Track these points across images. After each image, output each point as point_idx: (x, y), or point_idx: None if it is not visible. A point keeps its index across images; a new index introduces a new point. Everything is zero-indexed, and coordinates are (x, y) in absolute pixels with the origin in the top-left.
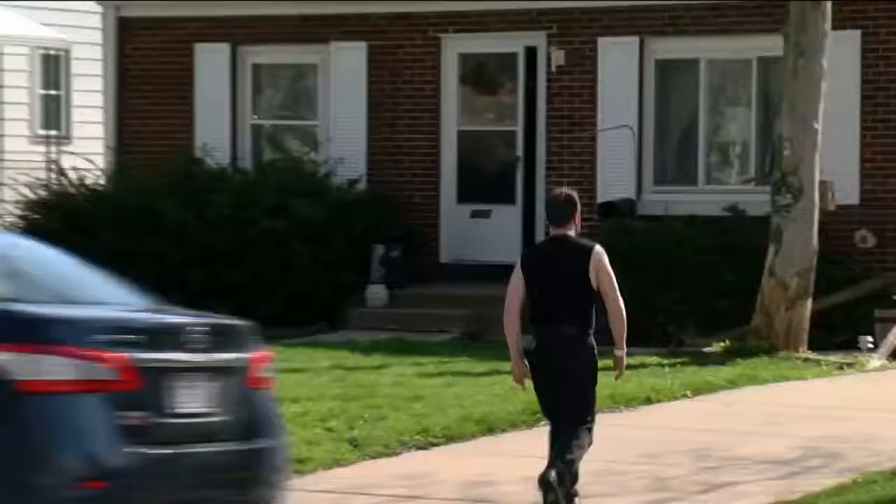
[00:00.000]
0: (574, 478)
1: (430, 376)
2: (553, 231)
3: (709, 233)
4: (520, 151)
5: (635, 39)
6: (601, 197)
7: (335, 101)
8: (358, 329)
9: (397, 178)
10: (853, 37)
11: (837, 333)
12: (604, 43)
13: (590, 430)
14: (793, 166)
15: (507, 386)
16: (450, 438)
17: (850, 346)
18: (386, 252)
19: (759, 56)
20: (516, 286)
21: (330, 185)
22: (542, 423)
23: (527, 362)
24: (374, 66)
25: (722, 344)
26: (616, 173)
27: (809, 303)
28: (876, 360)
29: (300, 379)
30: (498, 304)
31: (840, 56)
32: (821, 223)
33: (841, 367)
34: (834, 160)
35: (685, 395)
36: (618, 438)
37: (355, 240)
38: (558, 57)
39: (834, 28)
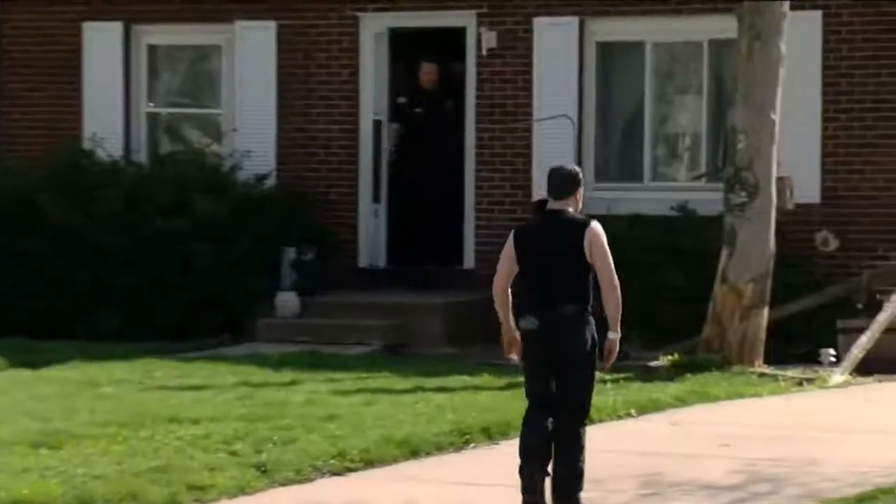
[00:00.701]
0: (581, 481)
1: (346, 394)
2: (551, 204)
3: (655, 234)
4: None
5: (574, 20)
6: (537, 194)
7: (241, 87)
8: (266, 341)
9: (311, 173)
10: (814, 18)
11: (796, 345)
12: (540, 23)
13: (585, 424)
14: (747, 161)
15: (431, 405)
16: (368, 462)
17: (811, 359)
18: (298, 255)
19: (711, 39)
20: (508, 258)
21: (235, 181)
22: (472, 445)
23: (520, 341)
24: (284, 48)
25: (670, 357)
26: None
27: (766, 311)
28: (838, 376)
29: (201, 397)
30: (421, 312)
31: (799, 39)
32: (778, 224)
33: (800, 383)
34: (793, 154)
35: (629, 415)
36: None
37: (264, 241)
38: (489, 39)
39: (792, 8)
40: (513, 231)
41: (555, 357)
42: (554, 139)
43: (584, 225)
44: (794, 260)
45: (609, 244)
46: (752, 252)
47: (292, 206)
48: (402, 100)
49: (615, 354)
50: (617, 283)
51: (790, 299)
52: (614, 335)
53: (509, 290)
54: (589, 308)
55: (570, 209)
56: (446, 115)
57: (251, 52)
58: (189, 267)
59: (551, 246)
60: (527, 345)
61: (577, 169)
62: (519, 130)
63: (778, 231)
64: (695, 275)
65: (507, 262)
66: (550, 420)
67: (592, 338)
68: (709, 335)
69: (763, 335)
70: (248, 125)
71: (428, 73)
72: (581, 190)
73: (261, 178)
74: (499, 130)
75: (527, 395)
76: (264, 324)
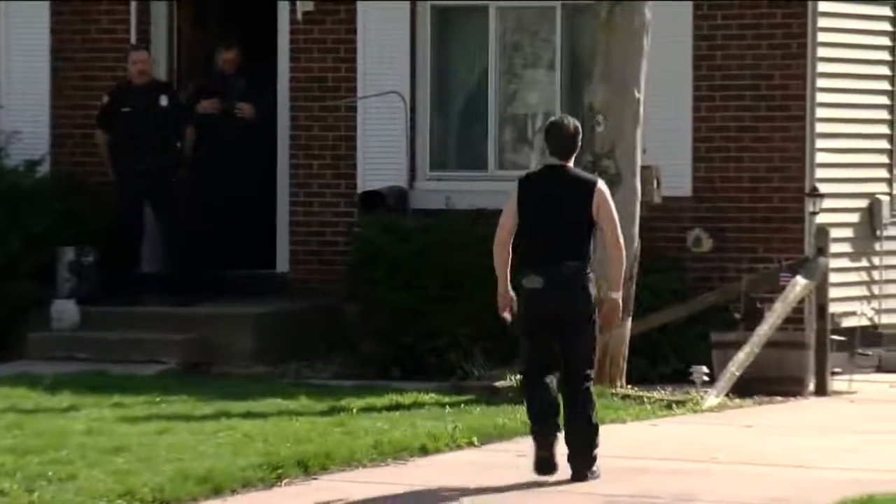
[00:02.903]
0: (597, 436)
1: (136, 421)
2: (552, 161)
3: None
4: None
5: None
6: (363, 185)
7: (6, 55)
8: (39, 358)
9: (92, 159)
10: None
11: (664, 362)
12: None
13: (592, 379)
14: (608, 146)
15: (238, 433)
16: (163, 502)
17: (681, 378)
18: (77, 257)
19: (565, 3)
20: (511, 212)
21: (1, 167)
22: (286, 481)
23: (515, 300)
24: (59, 10)
25: (518, 377)
26: (382, 154)
27: (629, 323)
28: (713, 397)
29: None
30: (226, 324)
31: (667, 4)
32: (643, 220)
33: (669, 406)
34: (660, 139)
35: (471, 444)
36: None
37: (35, 240)
38: (305, 2)
39: None
40: (517, 182)
41: (560, 315)
42: (382, 120)
43: (592, 182)
44: (662, 263)
45: (447, 243)
46: None
47: (71, 198)
48: (190, 85)
49: (618, 316)
50: (623, 244)
51: (657, 309)
52: (616, 295)
53: (509, 246)
54: (590, 267)
55: (571, 164)
56: (250, 97)
57: (20, 15)
58: None
59: (558, 202)
60: (530, 303)
61: (577, 123)
62: (341, 109)
63: (643, 229)
64: None
65: (509, 216)
66: (553, 379)
67: (592, 297)
68: None
69: (626, 350)
70: (16, 101)
71: (227, 58)
72: (578, 149)
73: (32, 164)
74: (318, 109)
75: (526, 358)
76: (37, 338)
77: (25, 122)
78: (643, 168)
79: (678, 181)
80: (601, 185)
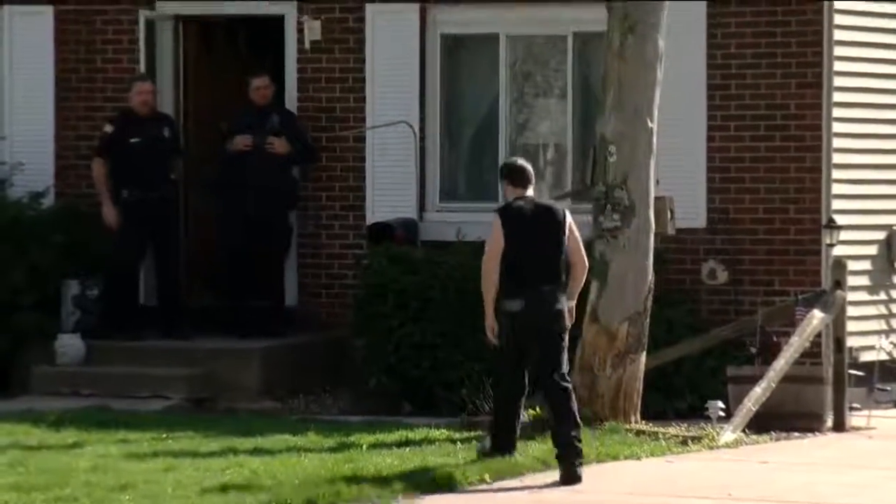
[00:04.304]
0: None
1: (142, 458)
2: (518, 192)
3: None
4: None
5: (415, 7)
6: (372, 216)
7: (11, 84)
8: (43, 394)
9: (94, 190)
10: (697, 9)
11: (680, 397)
12: (374, 12)
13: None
14: (621, 177)
15: (245, 471)
16: None
17: (697, 413)
18: (82, 290)
19: (577, 31)
20: (497, 241)
21: (4, 199)
22: None
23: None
24: (63, 39)
25: (532, 412)
26: (391, 185)
27: (644, 357)
28: (729, 433)
29: None
30: (233, 359)
31: (680, 33)
32: (657, 252)
33: (685, 442)
34: (674, 170)
35: (483, 481)
36: None
37: (40, 273)
38: (313, 29)
39: None
40: (498, 212)
41: (541, 331)
42: (391, 150)
43: (562, 212)
44: (677, 295)
45: (457, 275)
46: (627, 286)
47: (76, 230)
48: (223, 123)
49: (572, 318)
50: (587, 265)
51: (671, 343)
52: (571, 302)
53: (498, 271)
54: (562, 286)
55: (531, 193)
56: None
57: (24, 42)
58: None
59: (538, 230)
60: (513, 323)
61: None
62: (350, 140)
63: (657, 261)
64: None
65: (498, 244)
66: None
67: (566, 321)
68: (576, 385)
69: (640, 385)
70: (21, 131)
71: (263, 86)
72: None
73: (37, 196)
74: (325, 140)
75: (500, 361)
76: (41, 372)
77: (29, 152)
78: (657, 199)
79: (692, 212)
80: (568, 213)
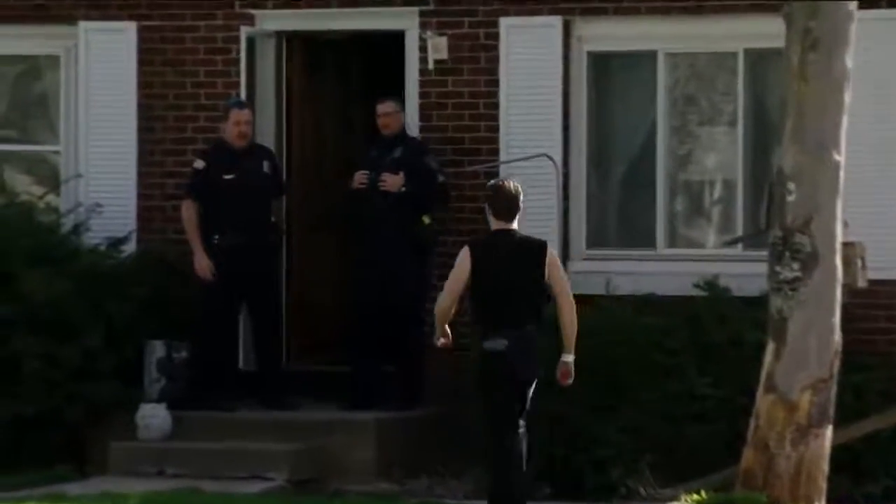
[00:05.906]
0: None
1: None
2: (499, 225)
3: (673, 322)
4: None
5: (557, 20)
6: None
7: (86, 113)
8: (124, 474)
9: (183, 235)
10: (893, 20)
11: (872, 479)
12: (509, 25)
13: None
14: (801, 219)
15: None
16: None
17: (892, 497)
18: (168, 352)
19: (748, 48)
20: (458, 280)
21: (79, 247)
22: None
23: (449, 335)
24: (147, 60)
25: (694, 497)
26: (529, 228)
27: (829, 432)
28: None
29: None
30: (343, 432)
31: (873, 50)
32: (845, 308)
33: None
34: (864, 210)
35: None
36: None
37: (118, 332)
38: (438, 46)
39: (862, 6)
40: (466, 249)
41: (520, 374)
42: (530, 188)
43: (542, 246)
44: (868, 359)
45: (609, 333)
46: (809, 348)
47: (161, 282)
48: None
49: (571, 376)
50: (573, 303)
51: (862, 414)
52: (570, 357)
53: (453, 308)
54: (540, 327)
55: (515, 226)
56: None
57: (102, 64)
58: (13, 369)
59: (511, 267)
60: (492, 365)
61: (518, 185)
62: (480, 176)
63: (845, 318)
64: (728, 380)
65: (458, 283)
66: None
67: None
68: (750, 465)
69: (826, 465)
70: (98, 167)
71: (385, 114)
72: (522, 208)
73: (116, 242)
74: (452, 176)
75: (490, 413)
76: (121, 448)
77: (108, 193)
78: (844, 245)
79: (887, 261)
80: (550, 247)
